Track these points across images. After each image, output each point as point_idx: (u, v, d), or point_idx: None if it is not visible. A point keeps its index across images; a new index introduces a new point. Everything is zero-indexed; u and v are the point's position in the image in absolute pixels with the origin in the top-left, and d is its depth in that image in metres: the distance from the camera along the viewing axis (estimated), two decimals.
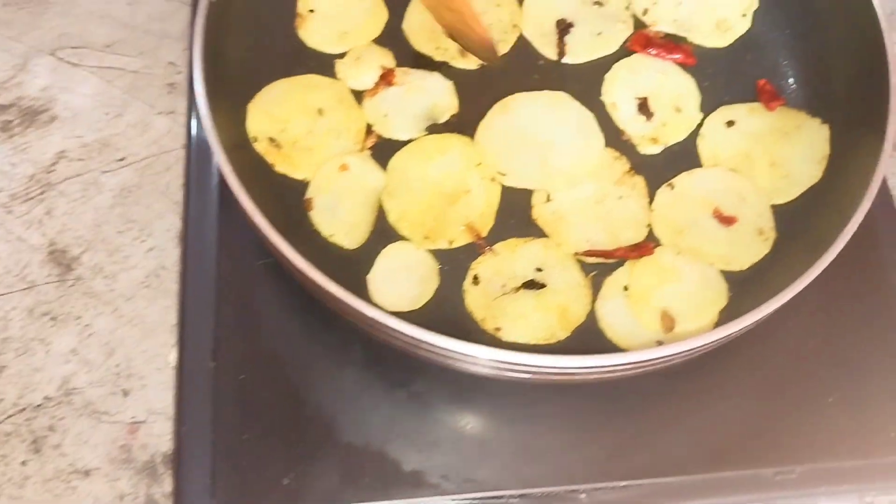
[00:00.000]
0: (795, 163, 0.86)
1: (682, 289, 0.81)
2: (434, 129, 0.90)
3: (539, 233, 0.85)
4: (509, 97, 0.90)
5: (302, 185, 0.87)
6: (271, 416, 0.78)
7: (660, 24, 0.95)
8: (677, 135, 0.89)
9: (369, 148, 0.89)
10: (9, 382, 0.92)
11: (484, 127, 0.89)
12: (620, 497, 0.78)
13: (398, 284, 0.81)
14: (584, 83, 0.92)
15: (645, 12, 0.95)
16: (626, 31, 0.94)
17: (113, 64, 1.09)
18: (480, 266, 0.83)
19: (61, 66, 1.09)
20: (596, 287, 0.83)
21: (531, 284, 0.82)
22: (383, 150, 0.89)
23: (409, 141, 0.89)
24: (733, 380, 0.81)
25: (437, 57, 0.93)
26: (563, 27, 0.94)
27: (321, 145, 0.87)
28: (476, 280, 0.82)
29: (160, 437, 0.89)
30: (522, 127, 0.89)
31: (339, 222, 0.84)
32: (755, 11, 0.95)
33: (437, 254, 0.84)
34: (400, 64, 0.93)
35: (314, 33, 0.94)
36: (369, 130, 0.90)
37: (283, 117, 0.88)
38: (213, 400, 0.78)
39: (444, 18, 0.88)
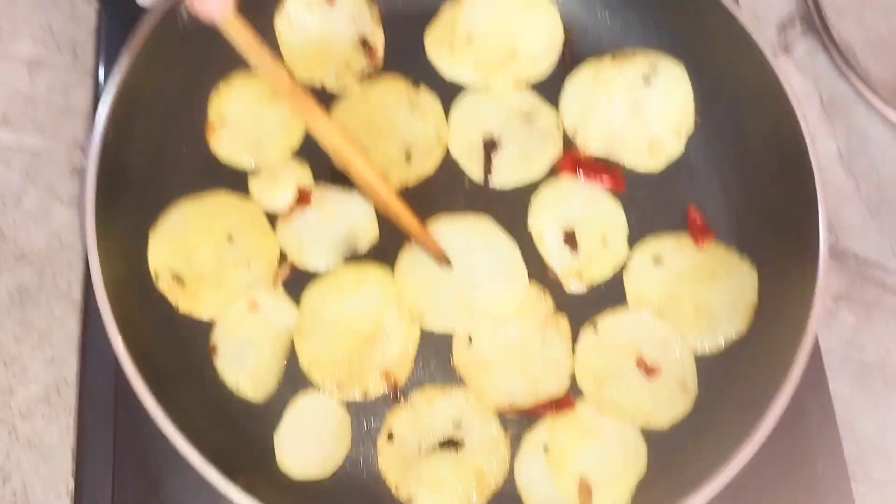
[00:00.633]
0: (721, 309, 0.85)
1: (601, 450, 0.80)
2: (353, 259, 0.85)
3: (459, 379, 0.82)
4: (428, 222, 0.87)
5: (206, 326, 0.82)
6: None
7: (590, 145, 0.91)
8: (603, 272, 0.86)
9: (282, 281, 0.84)
10: None
11: (403, 260, 0.84)
12: None
13: (308, 444, 0.78)
14: (511, 208, 0.89)
15: (575, 132, 0.91)
16: (554, 151, 0.90)
17: (10, 141, 1.01)
18: (396, 421, 0.80)
19: None
20: (515, 444, 0.80)
21: (448, 444, 0.79)
22: (298, 281, 0.84)
23: (325, 272, 0.84)
24: None
25: None
26: (490, 147, 0.89)
27: (230, 279, 0.82)
28: (391, 437, 0.79)
29: None
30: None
31: (246, 372, 0.79)
32: (690, 136, 0.92)
33: (350, 404, 0.80)
34: (318, 179, 0.87)
35: (226, 145, 0.87)
36: (283, 259, 0.84)
37: (189, 247, 0.82)
38: None
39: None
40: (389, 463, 0.78)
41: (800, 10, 1.14)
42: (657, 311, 0.85)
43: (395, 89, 0.91)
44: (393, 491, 0.77)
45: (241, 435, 0.78)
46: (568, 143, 0.91)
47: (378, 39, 0.93)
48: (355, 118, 0.89)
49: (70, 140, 1.01)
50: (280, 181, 0.86)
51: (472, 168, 0.89)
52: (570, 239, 0.87)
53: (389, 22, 0.94)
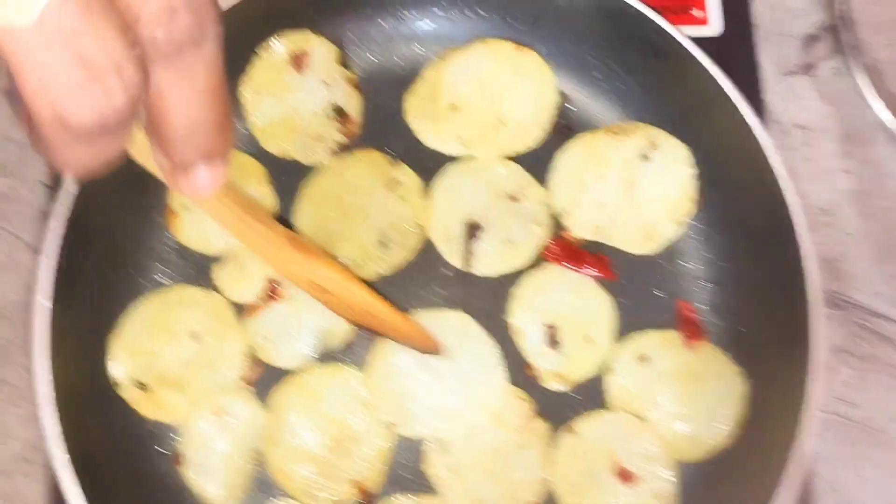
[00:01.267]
0: (706, 420, 0.81)
1: None
2: (325, 356, 0.82)
3: (431, 488, 0.81)
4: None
5: (171, 430, 0.80)
6: None
7: (579, 229, 0.85)
8: (585, 370, 0.83)
9: (251, 381, 0.82)
10: None
11: (375, 362, 0.82)
12: None
13: None
14: (492, 296, 0.84)
15: (565, 213, 0.85)
16: (540, 235, 0.85)
17: None
18: None
19: None
20: None
21: None
22: (268, 379, 0.82)
23: (295, 371, 0.81)
24: None
25: None
26: (472, 231, 0.84)
27: (194, 381, 0.80)
28: None
29: None
30: (415, 360, 0.82)
31: (213, 481, 0.78)
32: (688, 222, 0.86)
33: None
34: None
35: (189, 231, 0.83)
36: (252, 356, 0.82)
37: (152, 348, 0.79)
38: None
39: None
40: None
41: (828, 24, 1.05)
42: (639, 414, 0.82)
43: (371, 165, 0.84)
44: None
45: None
46: (556, 224, 0.86)
47: (354, 106, 0.85)
48: (327, 197, 0.84)
49: (34, 181, 0.96)
50: (248, 271, 0.82)
51: (453, 254, 0.84)
52: (552, 337, 0.83)
53: (366, 87, 0.87)
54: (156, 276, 0.83)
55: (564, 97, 0.89)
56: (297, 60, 0.86)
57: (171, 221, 0.83)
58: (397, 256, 0.84)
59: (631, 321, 0.85)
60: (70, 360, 0.76)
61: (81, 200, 0.77)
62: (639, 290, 0.86)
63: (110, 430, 0.77)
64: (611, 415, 0.83)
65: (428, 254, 0.86)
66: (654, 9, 0.84)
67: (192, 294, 0.82)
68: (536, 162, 0.87)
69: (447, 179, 0.85)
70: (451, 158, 0.87)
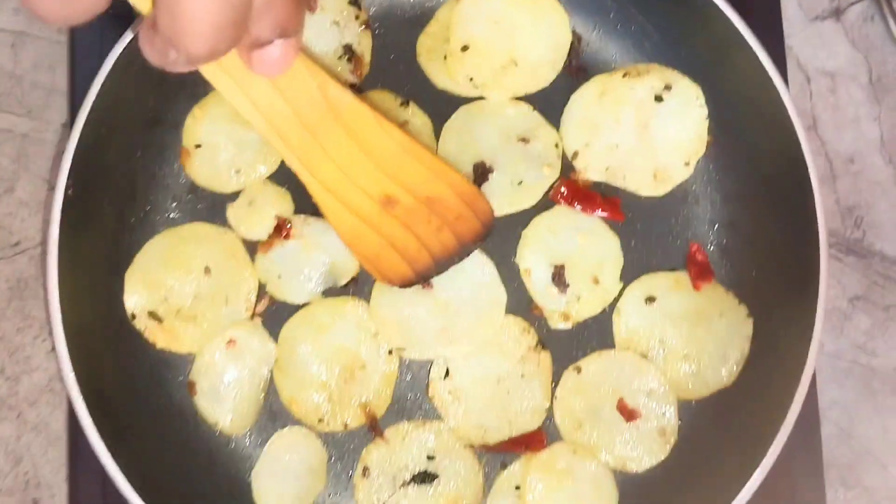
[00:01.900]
0: (710, 359, 0.82)
1: (574, 493, 0.81)
2: (331, 292, 0.84)
3: (434, 413, 0.83)
4: None
5: (185, 361, 0.83)
6: None
7: (590, 170, 0.85)
8: (591, 310, 0.84)
9: (260, 314, 0.83)
10: None
11: (379, 287, 0.83)
12: None
13: (285, 480, 0.80)
14: (500, 239, 0.85)
15: (575, 155, 0.85)
16: (550, 177, 0.85)
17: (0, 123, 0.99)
18: (370, 455, 0.82)
19: None
20: (488, 481, 0.82)
21: (423, 477, 0.81)
22: (277, 314, 0.84)
23: (304, 305, 0.83)
24: None
25: None
26: (481, 173, 0.84)
27: (207, 314, 0.82)
28: (366, 472, 0.81)
29: None
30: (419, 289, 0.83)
31: (225, 409, 0.81)
32: (699, 159, 0.85)
33: (326, 440, 0.82)
34: (298, 208, 0.84)
35: (203, 169, 0.84)
36: (261, 291, 0.83)
37: (166, 281, 0.82)
38: None
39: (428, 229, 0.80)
40: (365, 497, 0.81)
41: None
42: (644, 353, 0.83)
43: (382, 106, 0.85)
44: None
45: (220, 472, 0.81)
46: (566, 166, 0.86)
47: (365, 47, 0.86)
48: None
49: (58, 124, 0.99)
50: (258, 209, 0.84)
51: None
52: (559, 278, 0.83)
53: (377, 27, 0.87)
54: (170, 214, 0.85)
55: (578, 38, 0.88)
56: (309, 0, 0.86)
57: (185, 160, 0.85)
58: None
59: (639, 262, 0.86)
60: (87, 294, 0.79)
61: (96, 138, 0.79)
62: (647, 232, 0.86)
63: (126, 362, 0.80)
64: (616, 353, 0.84)
65: None
66: None
67: (205, 231, 0.84)
68: (548, 103, 0.87)
69: (457, 120, 0.86)
70: (462, 100, 0.87)
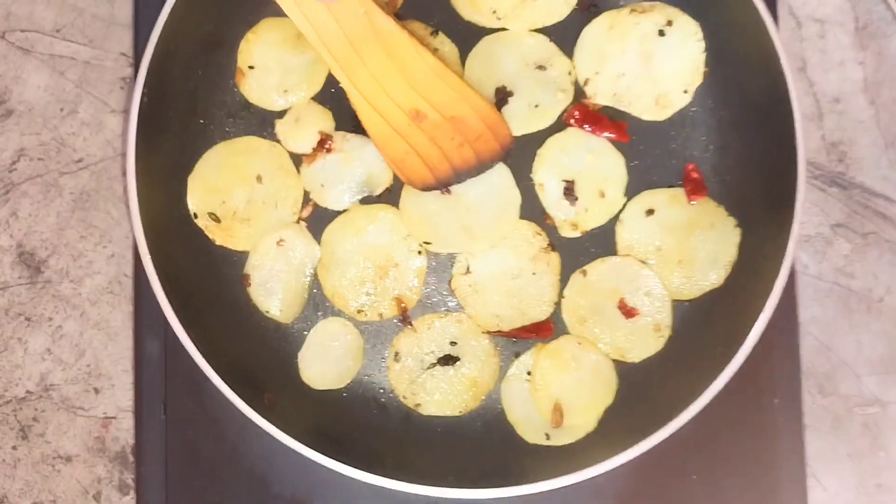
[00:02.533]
0: (701, 264, 0.92)
1: (577, 379, 0.91)
2: (368, 200, 0.94)
3: (457, 304, 0.94)
4: None
5: (240, 257, 0.94)
6: (214, 467, 0.92)
7: (599, 96, 0.95)
8: (597, 221, 0.94)
9: (305, 218, 0.94)
10: None
11: (408, 191, 0.94)
12: None
13: (327, 361, 0.91)
14: (518, 157, 0.95)
15: (586, 82, 0.95)
16: (564, 101, 0.94)
17: (63, 52, 1.09)
18: (401, 342, 0.93)
19: (12, 51, 1.09)
20: (504, 366, 0.93)
21: (447, 360, 0.92)
22: (319, 219, 0.95)
23: (343, 211, 0.94)
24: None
25: None
26: (502, 96, 0.94)
27: (259, 216, 0.93)
28: (397, 356, 0.93)
29: (128, 431, 1.03)
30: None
31: (275, 298, 0.92)
32: (697, 88, 0.95)
33: (363, 329, 0.93)
34: (339, 126, 0.95)
35: (254, 89, 0.94)
36: (306, 198, 0.94)
37: (223, 187, 0.92)
38: (166, 449, 0.92)
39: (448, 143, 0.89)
40: (397, 377, 0.93)
41: None
42: (643, 259, 0.93)
43: (415, 35, 0.94)
44: (401, 400, 0.92)
45: (270, 354, 0.93)
46: (578, 92, 0.95)
47: None
48: None
49: (117, 52, 1.08)
50: (304, 125, 0.94)
51: None
52: (570, 191, 0.94)
53: None
54: (226, 127, 0.95)
55: None
56: None
57: (239, 80, 0.95)
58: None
59: (641, 179, 0.96)
60: (158, 194, 0.90)
61: (164, 56, 0.88)
62: (649, 152, 0.96)
63: (190, 255, 0.91)
64: (618, 259, 0.94)
65: None
66: None
67: (256, 144, 0.94)
68: (563, 35, 0.96)
69: (482, 49, 0.95)
70: (486, 30, 0.97)
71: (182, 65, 0.91)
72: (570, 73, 0.95)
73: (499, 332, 0.93)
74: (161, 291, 0.83)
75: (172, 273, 0.86)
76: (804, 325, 1.01)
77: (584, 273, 0.93)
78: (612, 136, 0.94)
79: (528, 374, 0.93)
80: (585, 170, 0.94)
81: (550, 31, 0.96)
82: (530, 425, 0.91)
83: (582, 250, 0.95)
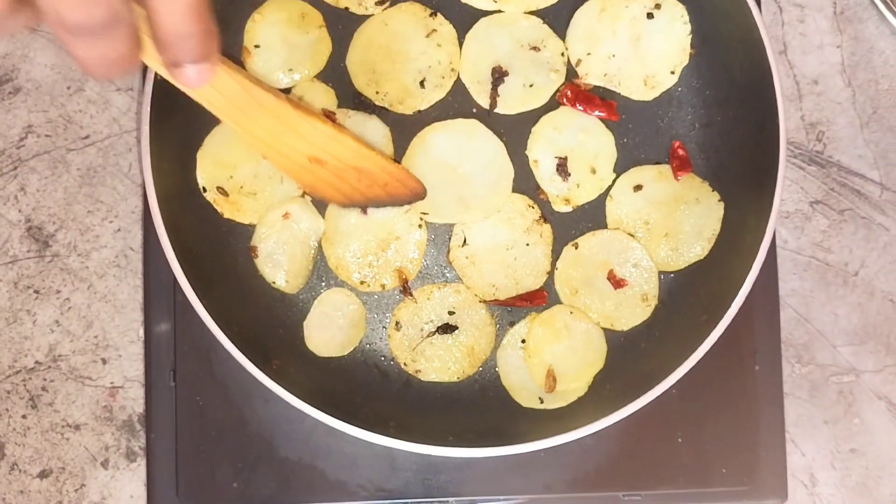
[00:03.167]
0: (687, 237, 0.97)
1: (569, 347, 0.96)
2: None
3: (455, 276, 0.98)
4: (427, 128, 0.98)
5: (247, 229, 0.97)
6: (222, 432, 0.97)
7: (591, 76, 0.99)
8: (588, 196, 0.99)
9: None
10: (3, 348, 1.08)
11: (406, 164, 0.97)
12: None
13: (331, 329, 0.96)
14: (513, 134, 0.99)
15: (578, 63, 0.99)
16: (557, 81, 0.99)
17: None
18: (402, 312, 0.97)
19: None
20: (498, 336, 0.98)
21: (446, 328, 0.97)
22: None
23: None
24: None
25: (377, 101, 0.98)
26: (498, 76, 0.98)
27: (265, 190, 0.96)
28: (398, 326, 0.97)
29: (135, 399, 1.07)
30: (441, 160, 0.98)
31: (282, 269, 0.96)
32: (683, 68, 0.99)
33: (365, 300, 0.98)
34: (341, 104, 0.98)
35: (260, 67, 0.98)
36: None
37: (231, 162, 0.96)
38: (176, 415, 0.96)
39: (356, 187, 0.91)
40: (398, 345, 0.97)
41: None
42: (632, 233, 0.98)
43: (412, 15, 0.98)
44: (402, 367, 0.97)
45: (276, 323, 0.97)
46: (570, 72, 1.00)
47: None
48: (374, 43, 0.98)
49: None
50: (308, 102, 0.97)
51: (480, 95, 0.99)
52: (563, 168, 0.98)
53: None
54: None
55: None
56: None
57: (245, 58, 0.98)
58: (433, 95, 0.98)
59: (629, 156, 1.00)
60: (168, 171, 0.93)
61: None
62: (637, 131, 1.00)
63: (200, 228, 0.95)
64: (608, 233, 0.99)
65: (459, 94, 1.00)
66: None
67: None
68: (556, 17, 1.01)
69: (478, 30, 0.99)
70: (483, 12, 1.01)
71: None
72: (562, 54, 0.99)
73: (495, 300, 0.97)
74: (175, 261, 0.86)
75: (183, 245, 0.89)
76: (783, 298, 1.07)
77: (576, 246, 0.98)
78: (602, 114, 0.98)
79: (523, 342, 0.97)
80: (577, 147, 0.98)
81: (544, 14, 1.01)
82: (525, 390, 0.96)
83: (573, 224, 0.99)
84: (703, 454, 0.99)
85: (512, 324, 0.98)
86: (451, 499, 0.97)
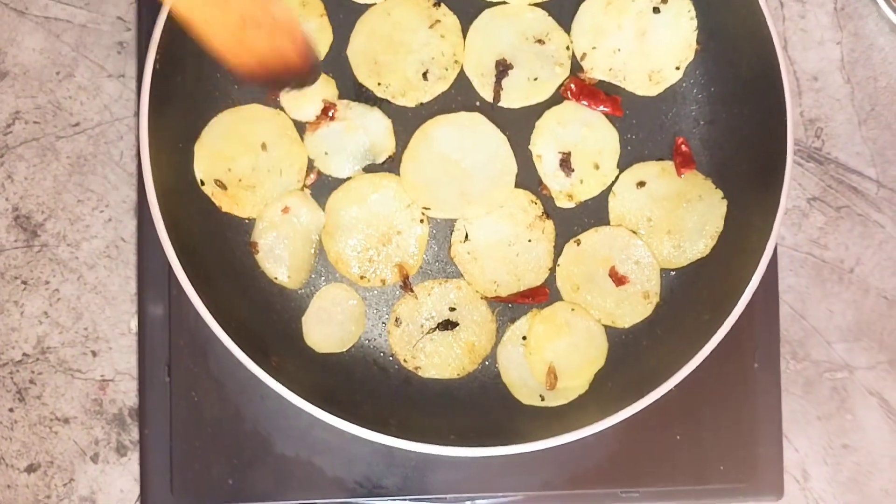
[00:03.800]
0: (689, 234, 0.97)
1: (570, 344, 0.95)
2: (371, 168, 0.97)
3: (456, 272, 0.97)
4: (429, 122, 0.97)
5: (245, 223, 0.95)
6: (218, 428, 0.95)
7: (595, 70, 0.98)
8: (591, 192, 0.98)
9: (309, 186, 0.96)
10: None
11: (408, 158, 0.96)
12: None
13: (330, 325, 0.94)
14: (516, 129, 0.98)
15: (583, 57, 0.98)
16: (562, 74, 0.97)
17: (59, 14, 1.08)
18: (402, 307, 0.96)
19: (6, 13, 1.08)
20: (500, 330, 0.97)
21: (446, 325, 0.96)
22: (323, 187, 0.97)
23: (347, 179, 0.96)
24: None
25: (379, 93, 0.97)
26: (502, 69, 0.97)
27: (264, 183, 0.95)
28: (398, 321, 0.96)
29: (126, 393, 1.05)
30: (443, 154, 0.96)
31: (283, 265, 0.95)
32: (688, 64, 0.98)
33: (364, 296, 0.96)
34: (342, 95, 0.96)
35: None
36: (310, 166, 0.96)
37: (229, 154, 0.94)
38: (171, 410, 0.94)
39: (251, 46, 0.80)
40: (398, 342, 0.96)
41: None
42: (634, 229, 0.97)
43: (416, 6, 0.97)
44: (402, 363, 0.96)
45: (274, 318, 0.95)
46: (575, 66, 0.98)
47: None
48: (377, 33, 0.96)
49: (114, 17, 1.08)
50: (308, 93, 0.95)
51: (484, 87, 0.97)
52: (566, 163, 0.97)
53: None
54: (232, 95, 0.96)
55: None
56: None
57: None
58: (436, 87, 0.97)
59: (633, 152, 0.99)
60: (165, 163, 0.90)
61: (173, 29, 0.89)
62: (641, 126, 0.99)
63: (198, 221, 0.92)
64: (611, 229, 0.98)
65: (463, 86, 0.99)
66: None
67: (261, 112, 0.96)
68: (561, 10, 0.99)
69: (482, 21, 0.97)
70: (487, 3, 0.99)
71: (189, 39, 0.91)
72: (567, 48, 0.98)
73: (496, 297, 0.96)
74: (174, 256, 0.84)
75: (180, 238, 0.87)
76: (780, 294, 1.06)
77: (578, 242, 0.97)
78: (607, 109, 0.97)
79: (524, 338, 0.96)
80: (581, 142, 0.97)
81: (549, 6, 0.99)
82: (525, 387, 0.95)
83: (576, 220, 0.98)
84: (702, 451, 0.99)
85: (513, 320, 0.97)
86: (448, 495, 0.96)
